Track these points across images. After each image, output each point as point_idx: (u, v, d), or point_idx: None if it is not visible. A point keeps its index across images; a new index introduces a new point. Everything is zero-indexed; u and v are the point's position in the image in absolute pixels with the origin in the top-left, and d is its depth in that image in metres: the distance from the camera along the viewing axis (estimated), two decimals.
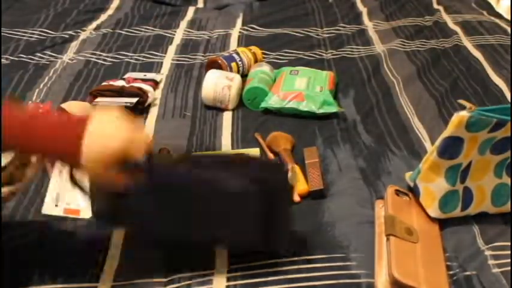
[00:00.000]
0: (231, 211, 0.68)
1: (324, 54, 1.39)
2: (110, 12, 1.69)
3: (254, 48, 1.30)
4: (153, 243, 0.75)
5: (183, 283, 0.71)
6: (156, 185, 0.66)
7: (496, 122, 0.74)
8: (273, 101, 1.10)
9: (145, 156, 0.63)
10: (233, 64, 1.22)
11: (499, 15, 1.64)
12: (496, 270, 0.71)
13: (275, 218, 0.69)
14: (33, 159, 0.70)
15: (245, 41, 1.47)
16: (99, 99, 1.11)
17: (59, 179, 0.89)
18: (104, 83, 1.19)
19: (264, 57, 1.34)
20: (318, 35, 1.51)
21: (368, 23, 1.59)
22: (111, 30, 1.53)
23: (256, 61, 1.28)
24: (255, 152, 0.98)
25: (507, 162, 0.81)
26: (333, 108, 1.08)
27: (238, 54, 1.25)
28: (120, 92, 1.12)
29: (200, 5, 1.77)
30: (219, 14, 1.68)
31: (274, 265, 0.73)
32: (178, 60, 1.36)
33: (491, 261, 0.73)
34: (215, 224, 0.69)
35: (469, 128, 0.74)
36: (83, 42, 1.46)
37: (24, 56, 1.37)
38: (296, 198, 0.86)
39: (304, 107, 1.08)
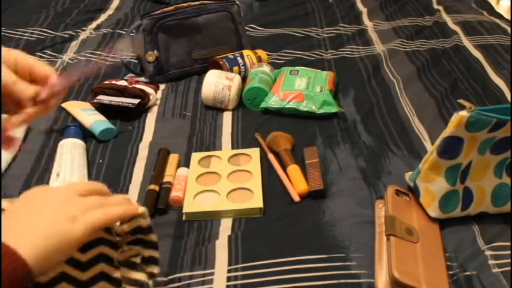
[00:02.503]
0: None
1: (324, 54, 1.39)
2: (110, 12, 1.69)
3: (260, 52, 1.29)
4: None
5: (183, 282, 0.72)
6: None
7: (496, 121, 0.74)
8: (273, 101, 1.10)
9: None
10: (235, 68, 1.22)
11: (499, 15, 1.64)
12: (496, 270, 0.71)
13: None
14: None
15: None
16: (100, 96, 1.11)
17: (57, 183, 0.89)
18: (106, 82, 1.19)
19: (269, 60, 1.33)
20: (318, 35, 1.51)
21: (368, 23, 1.59)
22: (111, 30, 1.53)
23: None
24: (255, 152, 0.98)
25: (507, 162, 0.81)
26: (333, 109, 1.08)
27: (243, 57, 1.24)
28: (122, 92, 1.12)
29: None
30: None
31: (274, 265, 0.73)
32: None
33: (491, 261, 0.73)
34: None
35: (468, 128, 0.74)
36: (83, 42, 1.46)
37: None
38: (296, 198, 0.86)
39: (304, 107, 1.08)
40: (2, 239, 0.46)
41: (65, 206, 0.51)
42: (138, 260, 0.59)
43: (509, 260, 0.73)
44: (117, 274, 0.58)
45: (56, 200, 0.52)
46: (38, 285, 0.52)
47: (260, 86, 1.12)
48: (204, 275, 0.73)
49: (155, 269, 0.61)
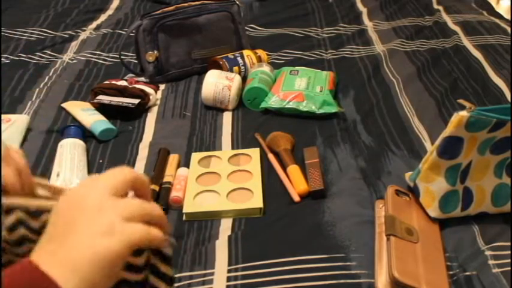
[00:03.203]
0: None
1: (324, 54, 1.39)
2: (110, 12, 1.69)
3: (260, 52, 1.29)
4: None
5: (183, 282, 0.72)
6: None
7: (496, 121, 0.74)
8: (273, 101, 1.10)
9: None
10: (235, 68, 1.22)
11: (499, 15, 1.64)
12: (496, 270, 0.71)
13: None
14: None
15: None
16: (100, 96, 1.11)
17: (58, 182, 0.89)
18: (106, 82, 1.19)
19: (269, 60, 1.33)
20: (318, 35, 1.51)
21: (368, 23, 1.59)
22: (111, 30, 1.54)
23: None
24: (255, 152, 0.98)
25: (507, 162, 0.81)
26: (333, 109, 1.08)
27: (242, 57, 1.24)
28: (122, 92, 1.12)
29: None
30: None
31: (274, 265, 0.73)
32: None
33: (491, 261, 0.73)
34: None
35: (468, 128, 0.74)
36: (83, 42, 1.46)
37: (24, 56, 1.37)
38: (296, 198, 0.86)
39: (304, 107, 1.08)
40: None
41: (99, 216, 0.42)
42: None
43: (509, 260, 0.73)
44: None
45: (90, 210, 0.43)
46: None
47: (260, 86, 1.12)
48: (204, 275, 0.73)
49: None
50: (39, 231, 0.51)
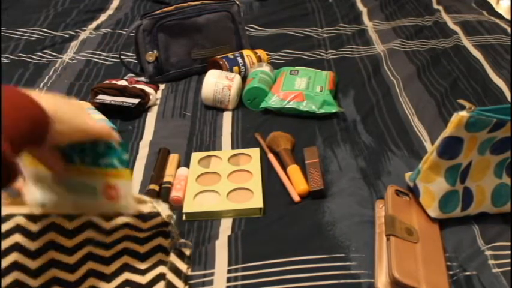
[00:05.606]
0: None
1: (324, 54, 1.39)
2: (110, 12, 1.70)
3: (260, 52, 1.29)
4: None
5: None
6: None
7: (496, 122, 0.74)
8: (273, 101, 1.10)
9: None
10: (235, 68, 1.22)
11: (499, 15, 1.64)
12: (496, 270, 0.71)
13: None
14: None
15: None
16: (100, 96, 1.11)
17: None
18: (106, 82, 1.19)
19: (269, 60, 1.33)
20: (318, 35, 1.51)
21: (368, 23, 1.59)
22: (111, 30, 1.54)
23: None
24: (255, 152, 0.98)
25: (507, 162, 0.81)
26: (333, 108, 1.08)
27: (242, 57, 1.24)
28: (122, 92, 1.12)
29: None
30: None
31: (274, 265, 0.73)
32: None
33: (491, 261, 0.73)
34: None
35: (468, 128, 0.74)
36: (82, 42, 1.46)
37: (24, 55, 1.37)
38: (296, 198, 0.86)
39: (304, 107, 1.08)
40: None
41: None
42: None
43: (509, 260, 0.73)
44: (141, 266, 0.60)
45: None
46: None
47: (260, 86, 1.12)
48: (204, 275, 0.73)
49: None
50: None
